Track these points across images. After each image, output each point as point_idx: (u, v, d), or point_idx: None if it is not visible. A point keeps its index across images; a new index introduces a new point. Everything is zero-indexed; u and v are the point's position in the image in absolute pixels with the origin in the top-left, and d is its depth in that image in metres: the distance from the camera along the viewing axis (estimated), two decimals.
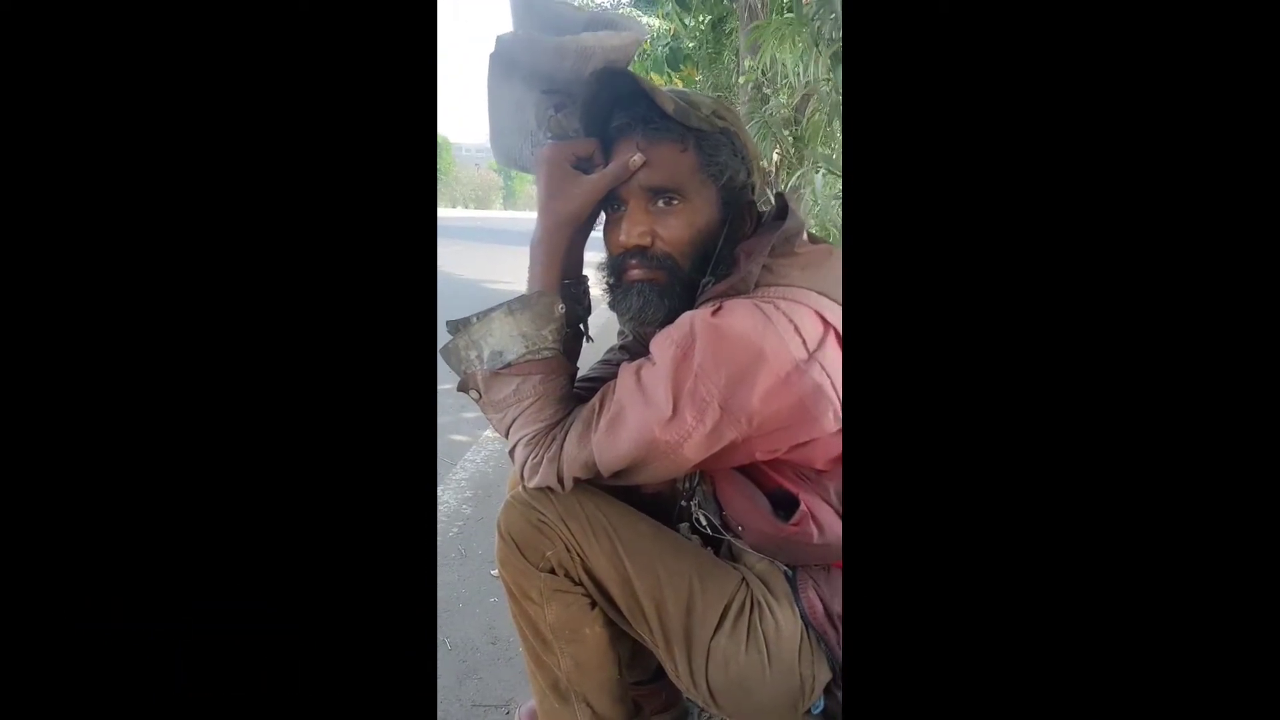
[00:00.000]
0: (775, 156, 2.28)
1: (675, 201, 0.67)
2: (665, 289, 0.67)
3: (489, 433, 2.16)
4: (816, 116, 2.02)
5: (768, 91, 2.56)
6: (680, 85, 3.56)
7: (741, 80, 2.64)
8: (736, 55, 2.82)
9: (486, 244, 11.03)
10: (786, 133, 2.28)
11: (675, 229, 0.67)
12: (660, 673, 0.89)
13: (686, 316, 0.62)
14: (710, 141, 0.67)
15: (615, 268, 0.70)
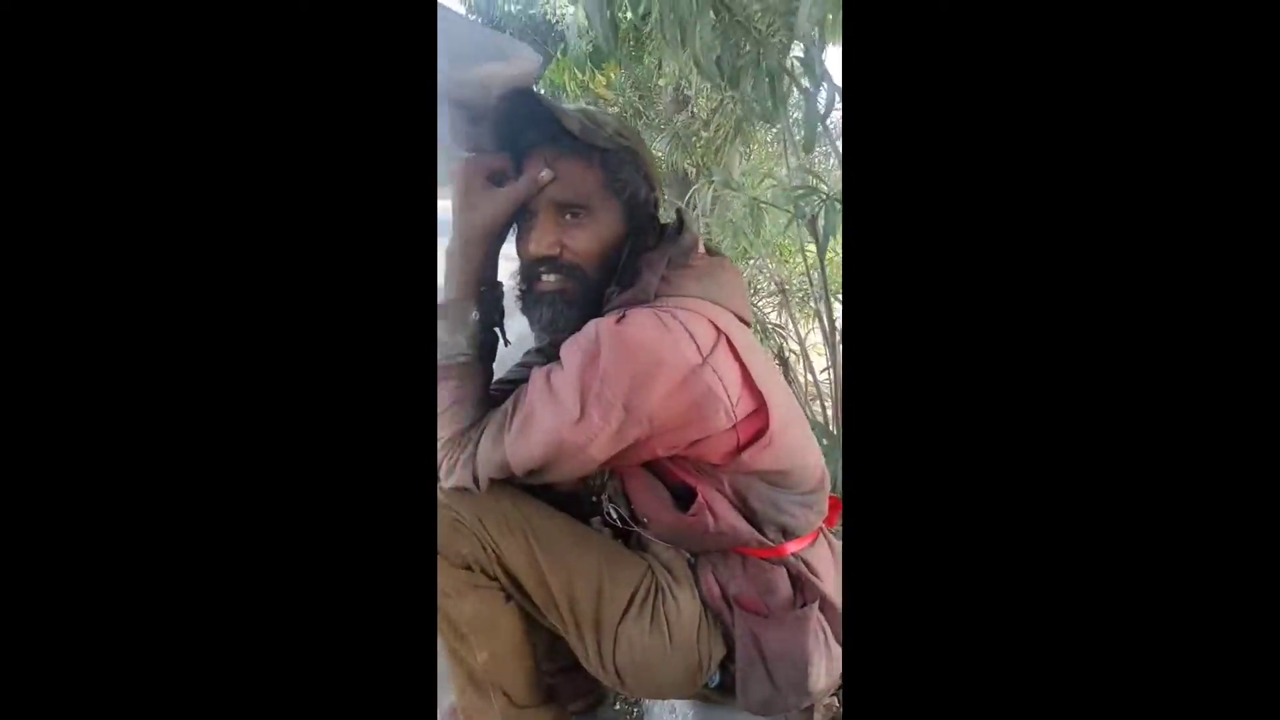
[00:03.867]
0: (690, 166, 2.35)
1: (581, 215, 0.71)
2: (573, 299, 0.71)
3: None
4: (719, 132, 2.10)
5: (688, 93, 2.62)
6: (603, 82, 3.57)
7: (661, 82, 2.69)
8: (657, 56, 2.87)
9: None
10: (705, 136, 2.35)
11: (582, 241, 0.71)
12: (576, 661, 0.94)
13: (592, 324, 0.66)
14: (614, 159, 0.71)
15: (526, 276, 0.74)
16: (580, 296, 0.72)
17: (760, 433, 0.68)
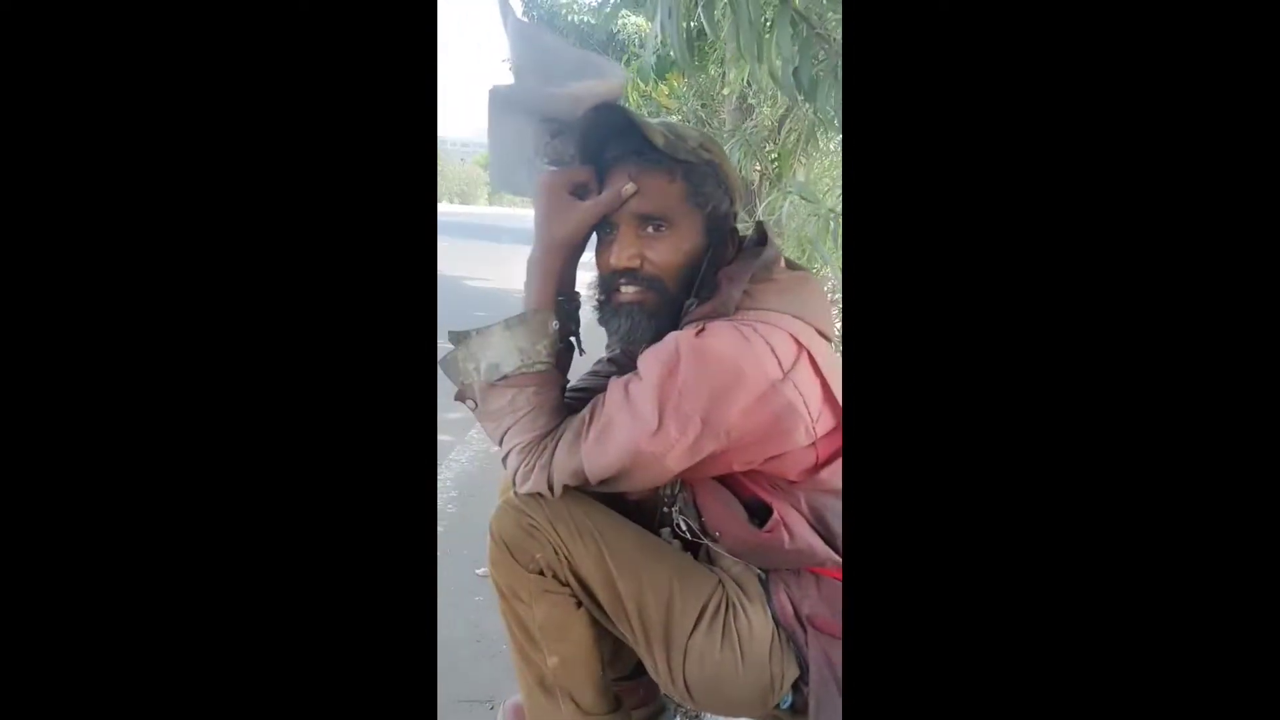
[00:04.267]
0: (757, 174, 2.34)
1: (663, 228, 0.71)
2: (653, 311, 0.72)
3: (474, 432, 2.19)
4: (791, 138, 2.08)
5: (753, 102, 2.62)
6: (666, 91, 3.60)
7: (726, 91, 2.69)
8: (721, 65, 2.88)
9: (470, 240, 11.01)
10: (770, 149, 2.34)
11: (663, 253, 0.72)
12: (639, 670, 0.94)
13: (672, 336, 0.66)
14: (697, 173, 0.71)
15: (605, 287, 0.75)
16: (659, 308, 0.72)
17: (840, 450, 0.67)
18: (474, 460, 2.02)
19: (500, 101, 0.76)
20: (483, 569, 1.41)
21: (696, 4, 1.12)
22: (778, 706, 0.74)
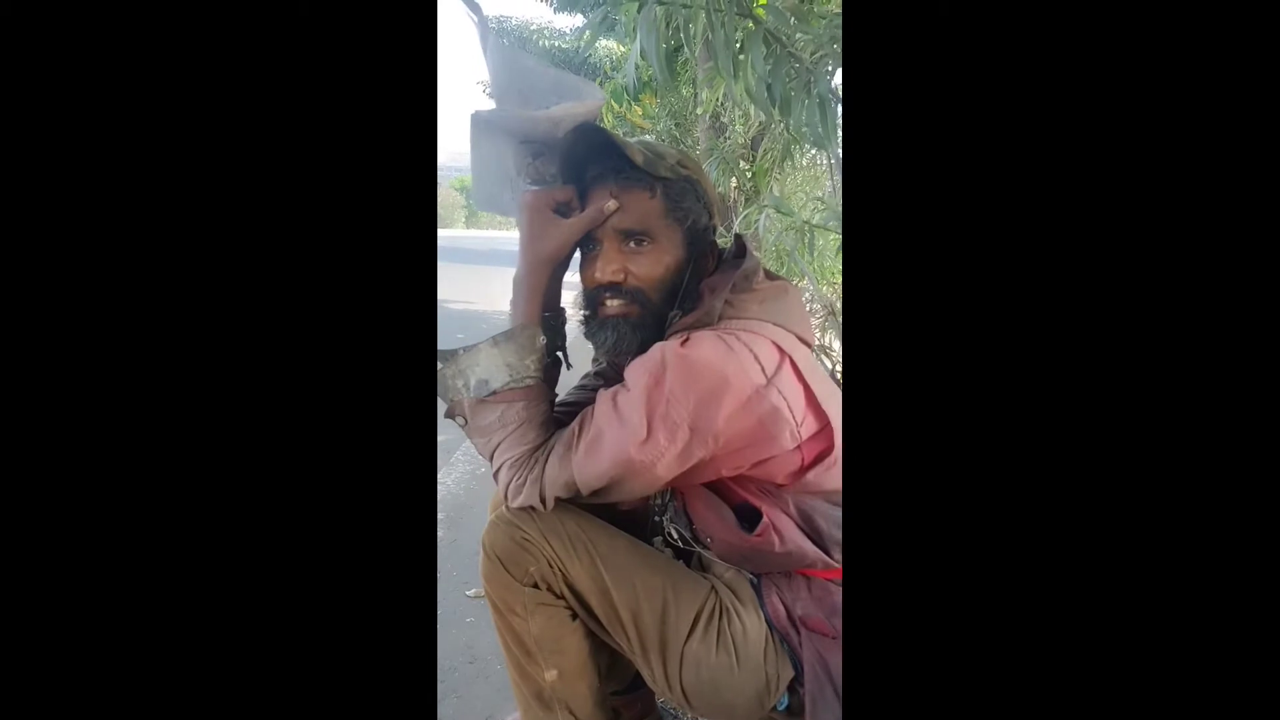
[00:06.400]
0: (734, 189, 2.39)
1: (645, 243, 0.73)
2: (637, 323, 0.74)
3: (459, 455, 2.18)
4: (768, 156, 2.14)
5: (726, 121, 2.67)
6: (640, 111, 3.66)
7: (700, 111, 2.75)
8: (694, 86, 2.94)
9: (449, 263, 10.98)
10: (744, 166, 2.39)
11: (645, 267, 0.74)
12: (636, 683, 0.94)
13: (657, 347, 0.68)
14: (676, 189, 0.74)
15: (590, 301, 0.76)
16: (643, 320, 0.74)
17: (825, 453, 0.69)
18: (460, 483, 2.01)
19: (482, 125, 0.78)
20: (473, 590, 1.40)
21: (669, 25, 1.15)
22: (774, 708, 0.74)
